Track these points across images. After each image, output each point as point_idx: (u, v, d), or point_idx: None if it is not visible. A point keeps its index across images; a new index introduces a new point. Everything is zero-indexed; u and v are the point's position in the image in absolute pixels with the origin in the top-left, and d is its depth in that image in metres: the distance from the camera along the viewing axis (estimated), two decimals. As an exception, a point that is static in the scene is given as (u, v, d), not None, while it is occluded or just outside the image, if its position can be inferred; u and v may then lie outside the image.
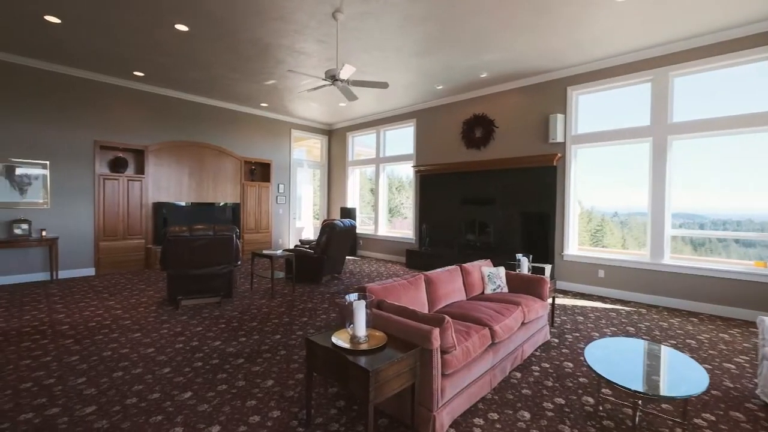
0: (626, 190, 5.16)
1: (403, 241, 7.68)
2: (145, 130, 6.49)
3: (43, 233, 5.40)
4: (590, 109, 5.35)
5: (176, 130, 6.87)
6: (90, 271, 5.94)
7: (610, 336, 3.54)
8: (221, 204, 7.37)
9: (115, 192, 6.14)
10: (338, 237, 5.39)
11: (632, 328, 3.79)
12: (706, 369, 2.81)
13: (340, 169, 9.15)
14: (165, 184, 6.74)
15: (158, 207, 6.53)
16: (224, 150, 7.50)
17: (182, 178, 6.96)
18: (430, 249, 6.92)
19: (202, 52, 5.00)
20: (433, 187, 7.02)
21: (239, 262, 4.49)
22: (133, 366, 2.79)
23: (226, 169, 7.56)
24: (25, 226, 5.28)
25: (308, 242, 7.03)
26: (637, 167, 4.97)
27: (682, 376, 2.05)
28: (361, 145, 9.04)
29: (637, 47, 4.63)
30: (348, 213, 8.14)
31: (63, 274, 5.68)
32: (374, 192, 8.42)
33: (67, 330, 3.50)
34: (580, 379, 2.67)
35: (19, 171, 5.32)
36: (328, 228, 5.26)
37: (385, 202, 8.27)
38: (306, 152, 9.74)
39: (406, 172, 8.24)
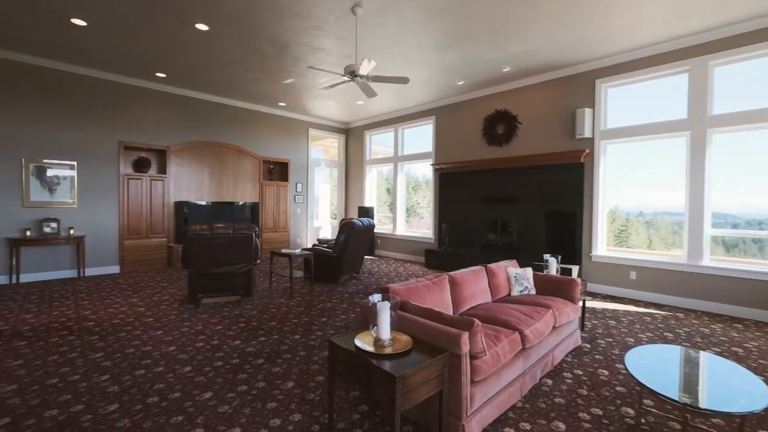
0: (652, 189, 4.91)
1: (422, 241, 7.56)
2: (167, 131, 6.59)
3: (71, 231, 5.55)
4: (620, 102, 5.10)
5: (197, 131, 6.96)
6: (115, 269, 6.08)
7: (646, 342, 3.32)
8: (240, 203, 7.43)
9: (138, 191, 6.26)
10: (357, 236, 5.32)
11: (670, 334, 3.56)
12: (757, 380, 2.58)
13: (357, 168, 9.09)
14: (186, 183, 6.83)
15: (180, 206, 6.63)
16: (243, 150, 7.56)
17: (203, 177, 7.05)
18: (450, 249, 6.77)
19: (222, 52, 5.02)
20: (453, 185, 6.87)
21: (258, 261, 4.47)
22: (155, 364, 2.79)
23: (245, 168, 7.62)
24: (54, 224, 5.44)
25: (326, 241, 7.00)
26: (668, 164, 4.71)
27: (737, 388, 1.86)
28: (378, 144, 8.96)
29: (674, 35, 4.36)
30: (366, 212, 8.07)
31: (90, 272, 5.83)
32: (392, 191, 8.32)
33: (93, 326, 3.55)
34: (618, 388, 2.50)
35: (49, 171, 5.49)
36: (346, 227, 5.20)
37: (403, 201, 8.17)
38: (323, 152, 9.73)
39: (423, 171, 8.11)
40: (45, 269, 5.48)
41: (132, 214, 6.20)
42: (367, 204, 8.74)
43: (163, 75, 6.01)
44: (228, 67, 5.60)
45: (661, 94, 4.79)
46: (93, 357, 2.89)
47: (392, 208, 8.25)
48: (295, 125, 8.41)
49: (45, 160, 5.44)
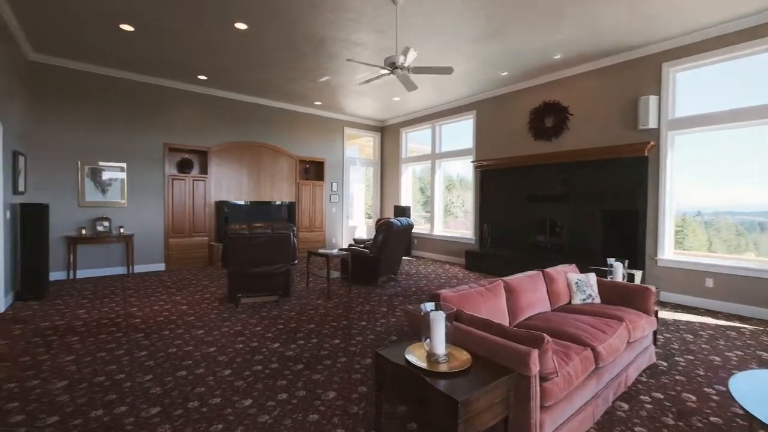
0: (717, 185, 4.37)
1: (461, 242, 7.23)
2: (207, 132, 6.75)
3: (121, 230, 5.79)
4: (692, 88, 4.53)
5: (236, 131, 7.08)
6: (161, 266, 6.29)
7: (736, 361, 2.86)
8: (277, 203, 7.48)
9: (182, 191, 6.44)
10: (395, 236, 5.12)
11: (765, 353, 3.05)
12: None
13: (393, 166, 8.90)
14: (226, 183, 6.96)
15: (220, 206, 6.76)
16: (280, 149, 7.61)
17: (241, 177, 7.15)
18: (492, 250, 6.41)
19: (260, 51, 5.01)
20: (496, 183, 6.50)
21: (296, 261, 4.39)
22: (196, 365, 2.74)
23: (282, 168, 7.66)
24: (106, 223, 5.70)
25: (362, 241, 6.87)
26: (744, 156, 4.14)
27: None
28: (414, 141, 8.72)
29: (761, 7, 3.78)
30: (402, 211, 7.85)
31: (138, 269, 6.06)
32: (428, 190, 8.06)
33: (139, 323, 3.61)
34: (712, 419, 2.11)
35: (102, 173, 5.76)
36: (384, 227, 5.02)
37: (440, 200, 7.87)
38: (358, 150, 9.63)
39: (458, 169, 7.77)
40: (98, 266, 5.76)
41: (176, 213, 6.39)
42: (403, 203, 8.53)
43: (205, 77, 6.13)
44: (265, 67, 5.60)
45: (744, 77, 4.19)
46: (138, 355, 2.90)
47: (428, 207, 7.99)
48: (330, 124, 8.37)
49: (100, 163, 5.72)
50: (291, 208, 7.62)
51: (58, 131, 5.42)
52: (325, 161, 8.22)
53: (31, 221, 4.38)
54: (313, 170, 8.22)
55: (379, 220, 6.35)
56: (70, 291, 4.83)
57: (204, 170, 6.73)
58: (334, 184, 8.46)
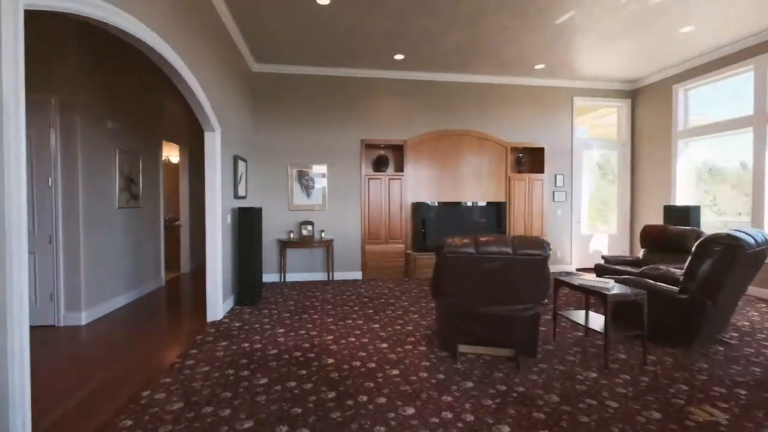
0: None
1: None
2: (404, 123, 5.83)
3: (323, 235, 5.48)
4: None
5: (434, 120, 5.91)
6: (357, 275, 5.73)
7: None
8: (483, 203, 5.89)
9: (377, 192, 5.72)
10: (741, 266, 2.61)
11: None
12: None
13: (657, 146, 5.88)
14: (424, 181, 5.89)
15: (417, 208, 5.72)
16: (486, 136, 6.00)
17: (441, 173, 5.93)
18: None
19: (479, -15, 3.51)
20: None
21: (546, 300, 2.62)
22: None
23: (489, 159, 6.03)
24: (310, 227, 5.48)
25: (614, 259, 4.47)
26: None
27: None
28: (695, 113, 5.47)
29: None
30: (683, 215, 4.86)
31: (337, 276, 5.67)
32: (720, 177, 4.73)
33: (332, 369, 2.66)
34: None
35: (306, 175, 5.60)
36: (722, 246, 2.59)
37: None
38: (587, 131, 6.99)
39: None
40: (303, 270, 5.61)
41: (372, 217, 5.71)
42: (679, 201, 5.44)
43: (401, 56, 5.17)
44: (476, 20, 4.09)
45: None
46: (324, 449, 1.79)
47: (752, 206, 4.66)
48: (552, 95, 6.19)
49: (307, 165, 5.58)
50: (500, 210, 5.89)
51: (272, 136, 5.51)
52: (544, 147, 6.09)
53: (246, 225, 4.28)
54: (528, 160, 6.24)
55: (671, 231, 3.88)
56: (278, 298, 4.62)
57: (399, 167, 5.84)
58: (559, 177, 6.21)
